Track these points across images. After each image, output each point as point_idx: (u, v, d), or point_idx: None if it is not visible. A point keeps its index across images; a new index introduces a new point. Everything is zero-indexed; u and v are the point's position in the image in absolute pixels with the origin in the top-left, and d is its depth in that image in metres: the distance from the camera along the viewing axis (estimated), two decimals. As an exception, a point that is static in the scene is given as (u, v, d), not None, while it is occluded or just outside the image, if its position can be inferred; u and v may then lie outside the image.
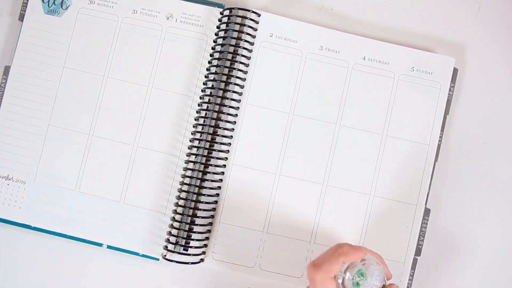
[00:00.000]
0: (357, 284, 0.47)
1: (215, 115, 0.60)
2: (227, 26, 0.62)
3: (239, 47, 0.61)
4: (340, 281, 0.48)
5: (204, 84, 0.62)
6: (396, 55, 0.62)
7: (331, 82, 0.62)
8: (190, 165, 0.60)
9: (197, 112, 0.61)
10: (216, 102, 0.61)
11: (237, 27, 0.62)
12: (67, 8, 0.64)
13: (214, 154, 0.60)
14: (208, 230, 0.60)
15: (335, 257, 0.48)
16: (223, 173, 0.61)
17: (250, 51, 0.62)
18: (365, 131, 0.62)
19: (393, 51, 0.62)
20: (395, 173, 0.61)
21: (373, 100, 0.62)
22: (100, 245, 0.61)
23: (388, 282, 0.50)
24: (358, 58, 0.62)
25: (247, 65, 0.62)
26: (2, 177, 0.62)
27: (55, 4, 0.64)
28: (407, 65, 0.62)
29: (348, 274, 0.48)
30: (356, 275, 0.47)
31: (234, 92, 0.61)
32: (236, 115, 0.61)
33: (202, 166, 0.60)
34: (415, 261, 0.60)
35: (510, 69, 0.64)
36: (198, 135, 0.61)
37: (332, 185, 0.61)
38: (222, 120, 0.60)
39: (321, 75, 0.62)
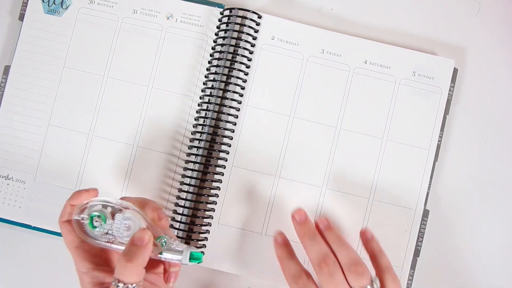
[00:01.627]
0: (93, 226, 0.48)
1: (215, 115, 0.60)
2: (227, 26, 0.62)
3: (239, 47, 0.61)
4: (75, 222, 0.49)
5: (204, 84, 0.62)
6: (397, 58, 0.62)
7: (332, 85, 0.62)
8: (190, 165, 0.60)
9: (197, 112, 0.61)
10: (216, 102, 0.61)
11: (237, 27, 0.62)
12: (67, 8, 0.64)
13: (214, 154, 0.60)
14: (207, 230, 0.60)
15: (65, 202, 0.50)
16: (222, 174, 0.61)
17: (251, 52, 0.62)
18: (365, 135, 0.62)
19: (394, 54, 0.62)
20: (394, 177, 0.61)
21: (374, 104, 0.62)
22: (99, 245, 0.62)
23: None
24: (360, 62, 0.62)
25: (248, 66, 0.62)
26: (2, 177, 0.62)
27: (55, 4, 0.64)
28: (409, 69, 0.62)
29: (81, 216, 0.49)
30: (87, 216, 0.49)
31: (234, 92, 0.61)
32: (237, 116, 0.61)
33: (202, 166, 0.60)
34: (414, 262, 0.61)
35: (510, 69, 0.64)
36: (198, 135, 0.61)
37: (331, 188, 0.61)
38: (222, 121, 0.60)
39: (322, 79, 0.62)
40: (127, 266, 0.45)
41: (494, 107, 0.64)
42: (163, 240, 0.48)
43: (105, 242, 0.49)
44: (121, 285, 0.45)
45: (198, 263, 0.48)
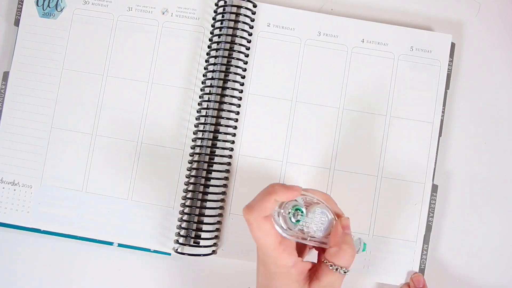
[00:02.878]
0: (297, 220, 0.47)
1: (217, 105, 0.60)
2: (223, 17, 0.62)
3: (237, 36, 0.61)
4: (277, 218, 0.47)
5: (204, 76, 0.62)
6: (394, 35, 0.62)
7: (332, 66, 0.62)
8: (196, 157, 0.60)
9: (199, 104, 0.61)
10: (218, 93, 0.61)
11: (233, 17, 0.62)
12: (62, 10, 0.64)
13: (219, 145, 0.60)
14: (218, 221, 0.60)
15: (266, 196, 0.46)
16: (229, 163, 0.61)
17: (249, 41, 0.62)
18: (369, 113, 0.62)
19: (391, 31, 0.62)
20: (401, 153, 0.61)
21: (375, 82, 0.62)
22: (110, 243, 0.61)
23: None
24: (357, 41, 0.62)
25: (246, 55, 0.62)
26: (9, 183, 0.62)
27: (49, 7, 0.64)
28: (406, 45, 0.62)
29: (282, 210, 0.47)
30: (291, 210, 0.47)
31: (235, 81, 0.61)
32: (239, 105, 0.61)
33: (208, 157, 0.60)
34: (427, 237, 0.60)
35: (505, 44, 0.64)
36: (201, 127, 0.61)
37: (339, 169, 0.61)
38: (224, 111, 0.60)
39: (321, 61, 0.62)
40: (350, 253, 0.48)
41: (492, 80, 0.64)
42: None
43: (302, 236, 0.48)
44: (345, 269, 0.47)
45: (364, 251, 0.52)
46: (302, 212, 0.47)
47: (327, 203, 0.50)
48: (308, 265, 0.49)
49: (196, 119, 0.61)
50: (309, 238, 0.48)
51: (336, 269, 0.47)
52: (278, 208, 0.47)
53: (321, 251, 0.51)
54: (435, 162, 0.61)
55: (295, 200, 0.48)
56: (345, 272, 0.47)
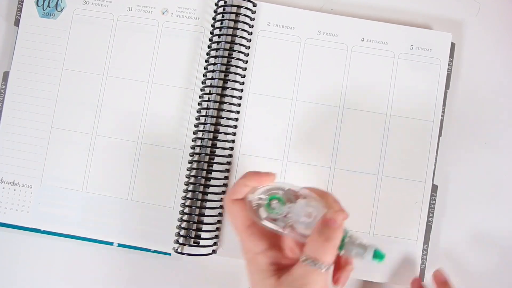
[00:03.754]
0: (272, 209, 0.46)
1: (217, 105, 0.60)
2: (223, 16, 0.62)
3: (237, 36, 0.61)
4: (253, 204, 0.46)
5: (204, 76, 0.62)
6: (394, 34, 0.62)
7: (332, 65, 0.62)
8: (196, 157, 0.60)
9: (199, 104, 0.61)
10: (218, 92, 0.61)
11: (233, 16, 0.62)
12: (62, 10, 0.64)
13: (220, 144, 0.60)
14: (218, 220, 0.60)
15: (238, 180, 0.48)
16: (229, 163, 0.61)
17: (249, 40, 0.62)
18: (368, 112, 0.62)
19: (391, 30, 0.63)
20: (401, 151, 0.61)
21: (375, 81, 0.62)
22: (110, 243, 0.61)
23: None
24: (357, 40, 0.62)
25: (246, 54, 0.62)
26: (9, 183, 0.62)
27: (49, 7, 0.64)
28: (406, 43, 0.62)
29: (257, 196, 0.46)
30: (267, 198, 0.46)
31: (235, 81, 0.61)
32: (239, 104, 0.61)
33: (207, 157, 0.60)
34: (427, 237, 0.60)
35: (505, 44, 0.65)
36: (201, 127, 0.61)
37: (339, 168, 0.61)
38: (224, 110, 0.60)
39: (321, 60, 0.62)
40: (325, 246, 0.43)
41: (492, 79, 0.64)
42: (345, 235, 0.45)
43: (278, 226, 0.46)
44: (317, 263, 0.43)
45: (379, 262, 0.44)
46: (281, 200, 0.46)
47: (325, 200, 0.47)
48: (279, 257, 0.46)
49: (196, 119, 0.61)
50: (287, 231, 0.46)
51: (304, 260, 0.43)
52: (258, 196, 0.47)
53: None
54: (435, 162, 0.61)
55: (279, 192, 0.47)
56: (315, 265, 0.43)
